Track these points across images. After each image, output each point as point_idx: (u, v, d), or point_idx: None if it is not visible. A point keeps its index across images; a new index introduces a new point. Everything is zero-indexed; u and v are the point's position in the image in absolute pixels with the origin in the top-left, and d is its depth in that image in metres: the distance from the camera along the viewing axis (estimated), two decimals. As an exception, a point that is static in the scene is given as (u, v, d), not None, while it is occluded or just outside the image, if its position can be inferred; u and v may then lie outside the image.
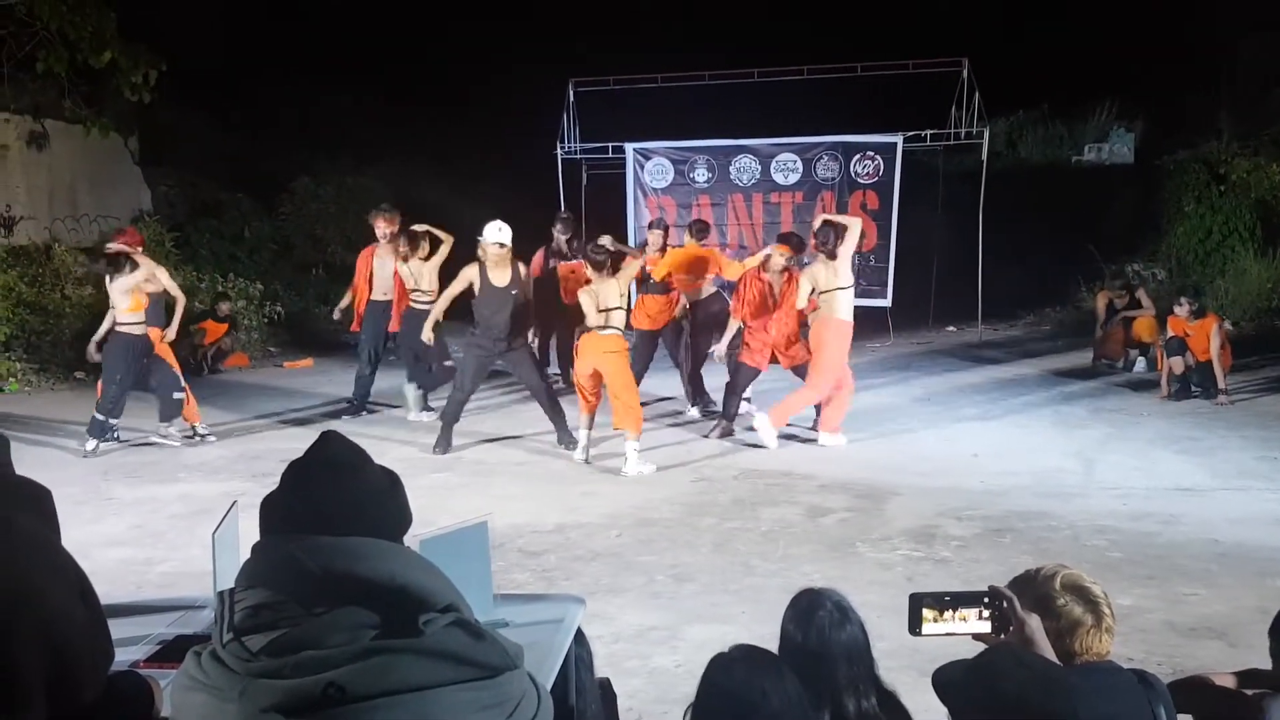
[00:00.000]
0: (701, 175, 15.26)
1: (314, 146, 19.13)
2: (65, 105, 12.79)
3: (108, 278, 8.97)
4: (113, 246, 9.04)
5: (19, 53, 11.66)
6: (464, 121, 21.40)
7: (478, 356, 8.80)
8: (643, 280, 10.09)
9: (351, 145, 19.65)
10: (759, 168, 15.17)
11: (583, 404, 8.43)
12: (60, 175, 15.20)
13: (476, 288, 8.60)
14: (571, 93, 15.82)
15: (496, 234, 8.49)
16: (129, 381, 9.00)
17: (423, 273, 9.82)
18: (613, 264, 8.44)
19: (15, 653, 1.48)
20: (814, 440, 8.98)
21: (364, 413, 10.45)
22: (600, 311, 8.14)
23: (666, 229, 10.60)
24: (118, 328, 8.87)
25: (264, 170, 18.55)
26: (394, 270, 10.09)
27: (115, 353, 8.90)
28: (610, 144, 15.54)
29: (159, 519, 7.16)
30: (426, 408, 10.17)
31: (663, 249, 10.15)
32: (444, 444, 8.85)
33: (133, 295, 8.82)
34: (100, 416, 8.93)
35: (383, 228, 10.07)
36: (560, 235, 11.12)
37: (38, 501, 1.92)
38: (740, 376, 9.21)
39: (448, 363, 9.90)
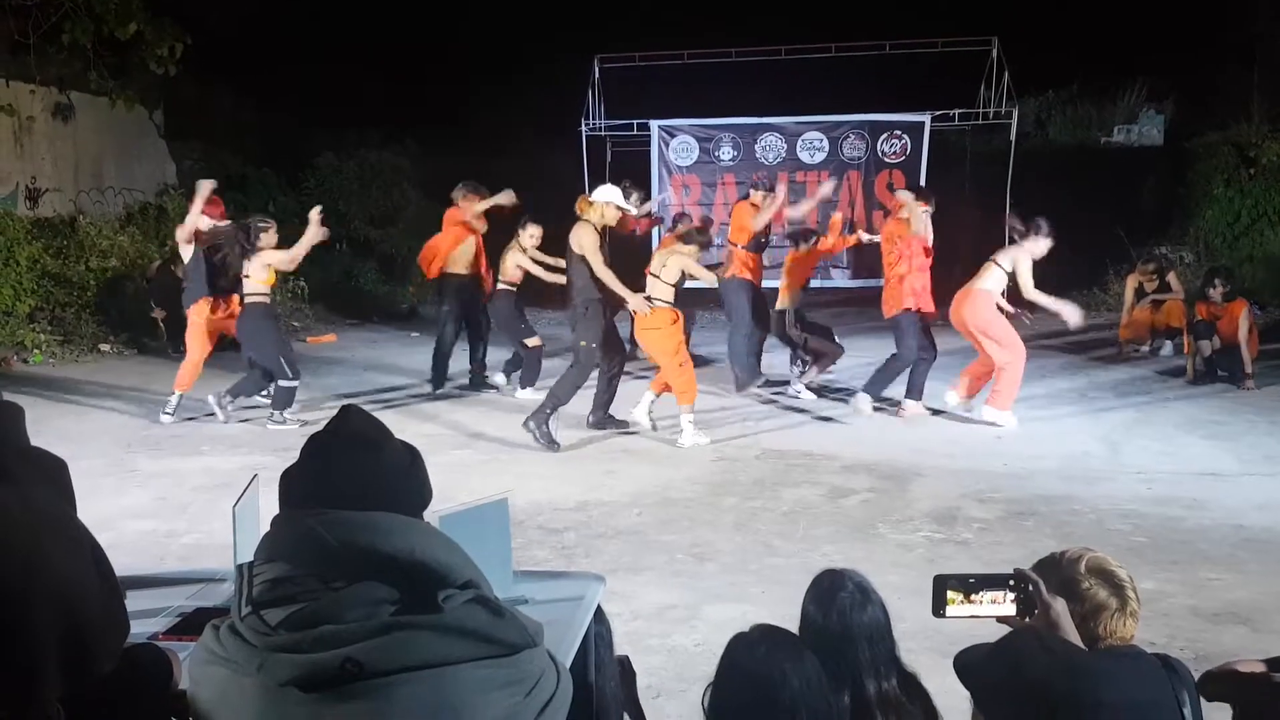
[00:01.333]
0: (727, 153, 15.22)
1: (338, 122, 19.15)
2: (91, 77, 12.78)
3: (247, 254, 8.73)
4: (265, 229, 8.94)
5: (45, 24, 11.66)
6: (488, 97, 21.40)
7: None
8: (754, 238, 9.79)
9: (375, 121, 19.67)
10: (785, 146, 15.13)
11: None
12: (85, 147, 15.27)
13: (599, 254, 8.03)
14: (597, 69, 15.78)
15: (622, 197, 8.23)
16: (285, 341, 9.07)
17: (522, 260, 9.81)
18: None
19: (30, 625, 1.48)
20: (832, 420, 8.97)
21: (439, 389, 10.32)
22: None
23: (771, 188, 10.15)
24: (252, 298, 8.77)
25: (288, 145, 18.60)
26: (477, 247, 10.02)
27: (260, 324, 8.79)
28: (635, 121, 15.50)
29: (182, 492, 7.19)
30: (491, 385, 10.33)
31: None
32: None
33: (270, 269, 8.83)
34: (286, 384, 8.85)
35: (477, 205, 9.90)
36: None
37: (53, 473, 1.91)
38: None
39: (529, 341, 9.98)
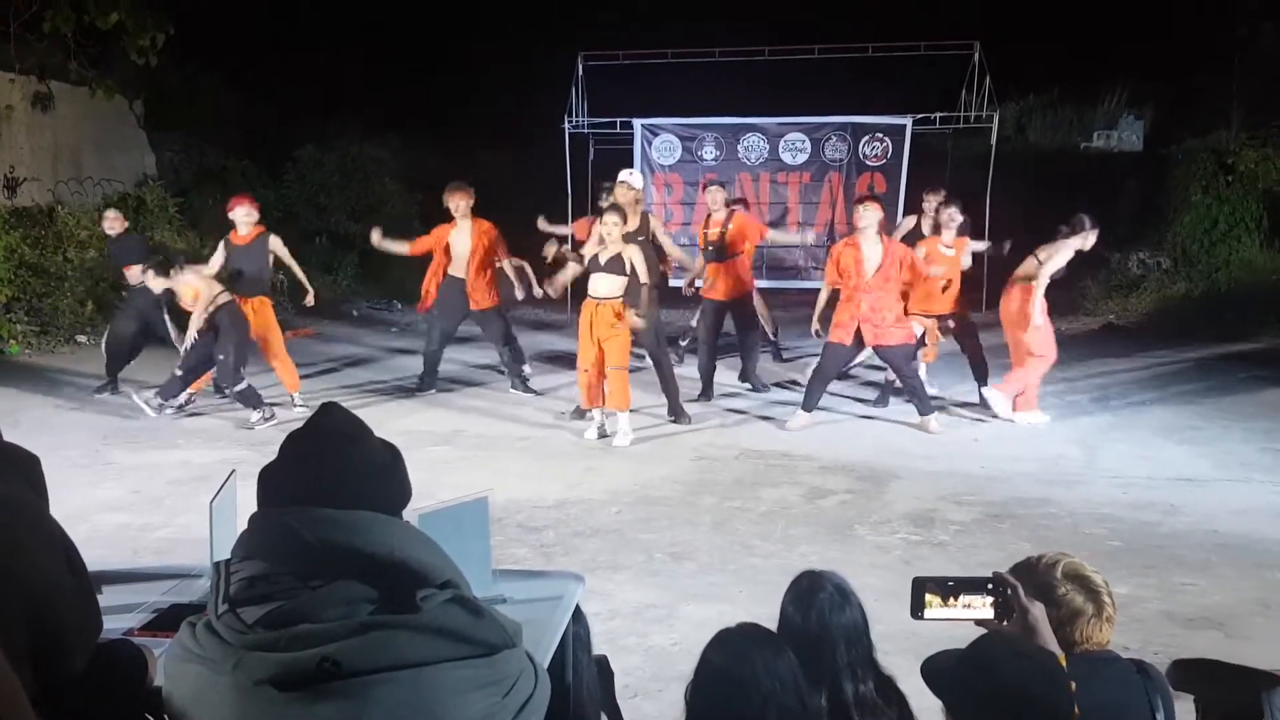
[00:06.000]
0: (709, 153, 15.21)
1: (320, 114, 19.08)
2: (71, 67, 12.70)
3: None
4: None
5: (26, 13, 11.58)
6: (472, 92, 21.37)
7: None
8: (704, 248, 9.86)
9: (357, 114, 19.60)
10: (767, 147, 15.13)
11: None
12: (65, 137, 15.16)
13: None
14: (580, 66, 15.75)
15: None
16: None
17: None
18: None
19: (2, 625, 1.46)
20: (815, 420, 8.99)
21: (432, 391, 10.12)
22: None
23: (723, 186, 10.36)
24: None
25: (269, 137, 18.53)
26: (472, 248, 9.67)
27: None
28: (618, 119, 15.48)
29: (157, 485, 7.15)
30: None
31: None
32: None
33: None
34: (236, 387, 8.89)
35: (465, 202, 9.61)
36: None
37: (25, 468, 1.89)
38: (827, 359, 8.70)
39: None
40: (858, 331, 8.44)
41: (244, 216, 9.38)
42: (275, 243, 9.52)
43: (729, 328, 10.26)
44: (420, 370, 10.17)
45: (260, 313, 9.28)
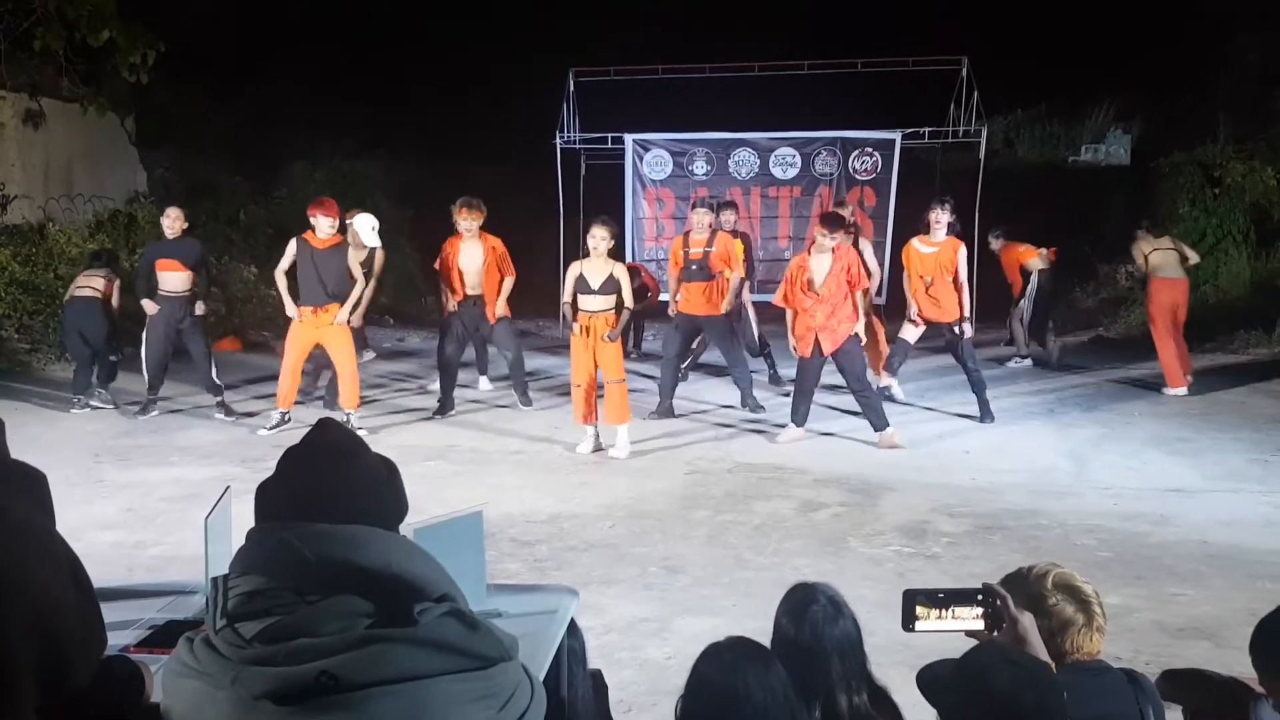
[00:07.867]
0: (700, 168, 15.26)
1: (312, 131, 19.07)
2: (62, 84, 12.72)
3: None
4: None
5: (17, 30, 11.59)
6: (463, 108, 21.39)
7: None
8: (684, 266, 9.59)
9: (349, 130, 19.60)
10: (758, 161, 15.18)
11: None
12: (56, 154, 15.15)
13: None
14: (571, 82, 15.79)
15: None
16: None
17: None
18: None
19: (7, 641, 1.48)
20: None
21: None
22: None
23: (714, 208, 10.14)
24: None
25: (261, 153, 18.51)
26: (484, 263, 9.58)
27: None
28: (610, 134, 15.52)
29: (150, 502, 7.14)
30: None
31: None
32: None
33: None
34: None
35: (471, 220, 9.48)
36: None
37: (33, 486, 1.91)
38: (800, 374, 8.72)
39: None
40: (817, 341, 8.45)
41: (327, 227, 9.01)
42: (353, 257, 9.36)
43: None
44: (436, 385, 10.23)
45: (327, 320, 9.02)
